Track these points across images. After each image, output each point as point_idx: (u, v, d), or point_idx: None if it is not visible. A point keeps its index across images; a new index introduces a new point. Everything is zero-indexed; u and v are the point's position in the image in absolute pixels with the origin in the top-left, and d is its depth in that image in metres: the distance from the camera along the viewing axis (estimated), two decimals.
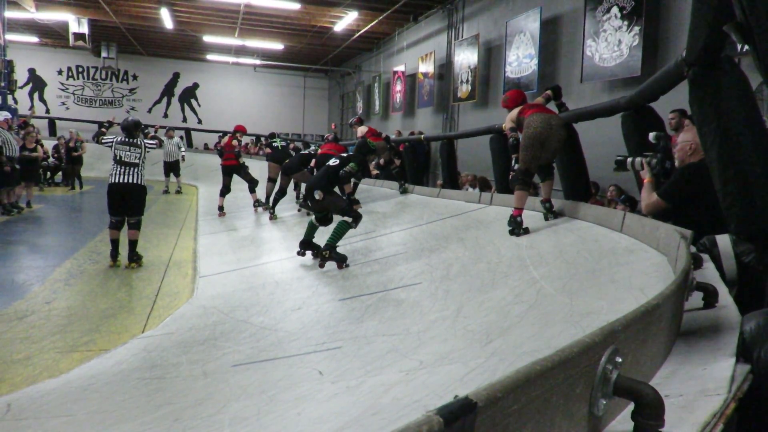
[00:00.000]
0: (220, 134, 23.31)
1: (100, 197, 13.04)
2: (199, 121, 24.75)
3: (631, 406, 1.00)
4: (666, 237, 2.89)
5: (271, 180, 10.28)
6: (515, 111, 5.57)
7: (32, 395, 3.18)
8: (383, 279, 4.72)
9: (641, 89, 4.38)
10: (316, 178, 6.53)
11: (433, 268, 4.62)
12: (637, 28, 7.74)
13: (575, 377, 0.89)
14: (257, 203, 10.71)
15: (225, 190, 10.75)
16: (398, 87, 16.86)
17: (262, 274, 6.11)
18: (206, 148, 23.02)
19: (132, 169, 6.91)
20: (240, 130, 11.12)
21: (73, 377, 3.51)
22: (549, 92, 5.62)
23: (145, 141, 7.23)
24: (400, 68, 16.58)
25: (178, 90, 24.81)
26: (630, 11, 7.85)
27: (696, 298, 1.92)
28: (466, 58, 12.48)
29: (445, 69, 13.94)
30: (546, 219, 5.25)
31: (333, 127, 17.94)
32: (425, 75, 14.90)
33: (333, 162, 6.55)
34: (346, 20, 15.57)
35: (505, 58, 10.79)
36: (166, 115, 24.37)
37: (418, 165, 11.48)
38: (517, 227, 5.00)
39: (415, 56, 15.53)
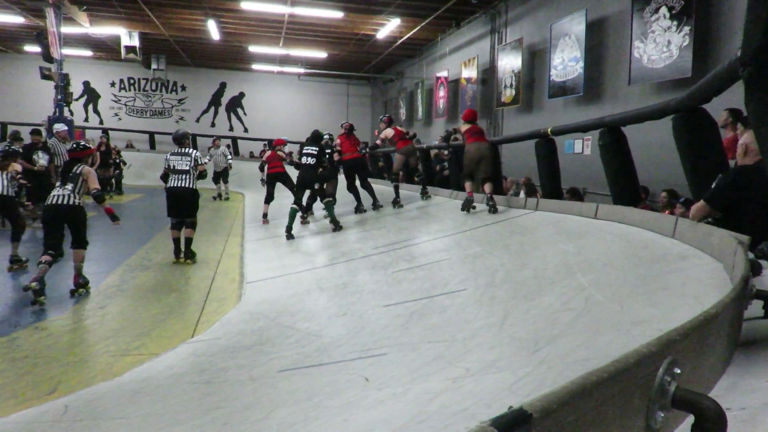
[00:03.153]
0: (265, 143, 23.82)
1: (149, 205, 13.48)
2: (246, 130, 25.20)
3: (690, 420, 0.96)
4: (721, 243, 2.79)
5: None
6: (464, 127, 8.20)
7: (87, 397, 3.28)
8: (427, 285, 4.70)
9: (692, 91, 4.26)
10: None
11: (477, 275, 4.58)
12: (686, 28, 7.53)
13: (632, 388, 0.86)
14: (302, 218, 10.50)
15: (269, 198, 10.99)
16: (441, 93, 16.82)
17: (307, 281, 6.16)
18: (252, 156, 23.42)
19: (183, 175, 7.60)
20: (280, 143, 11.43)
21: (125, 380, 3.60)
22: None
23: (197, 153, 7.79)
24: (443, 74, 16.54)
25: (224, 99, 25.32)
26: (679, 11, 7.64)
27: (755, 307, 1.84)
28: (510, 62, 12.37)
29: (489, 74, 13.84)
30: (490, 212, 7.29)
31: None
32: (468, 80, 14.83)
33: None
34: (388, 27, 15.64)
35: (549, 62, 10.65)
36: (213, 125, 24.90)
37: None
38: (467, 204, 7.80)
39: (458, 62, 15.47)
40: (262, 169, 11.22)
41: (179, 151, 7.71)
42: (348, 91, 25.62)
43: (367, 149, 11.43)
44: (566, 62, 10.13)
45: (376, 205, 9.88)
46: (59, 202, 6.10)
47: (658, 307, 2.28)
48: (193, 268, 7.41)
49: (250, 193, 17.00)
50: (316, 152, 9.25)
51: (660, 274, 2.95)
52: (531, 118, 11.86)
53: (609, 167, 5.90)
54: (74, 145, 6.71)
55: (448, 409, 1.60)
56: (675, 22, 7.70)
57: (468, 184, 7.89)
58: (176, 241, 7.80)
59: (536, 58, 11.79)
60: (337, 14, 14.59)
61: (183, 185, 7.59)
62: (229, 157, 16.15)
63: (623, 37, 8.85)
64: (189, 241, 7.76)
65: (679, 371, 0.92)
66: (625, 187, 5.84)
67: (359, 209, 9.98)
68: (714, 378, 1.23)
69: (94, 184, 6.35)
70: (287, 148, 14.40)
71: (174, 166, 7.62)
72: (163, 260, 7.91)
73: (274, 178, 10.90)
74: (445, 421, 1.45)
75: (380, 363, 2.66)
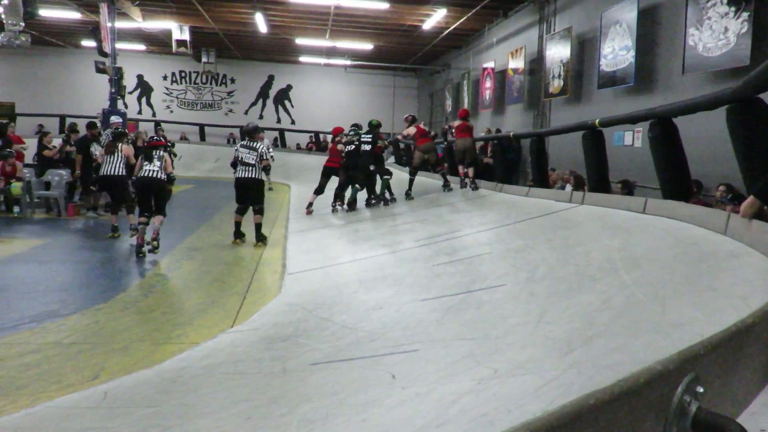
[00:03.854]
0: (312, 134, 24.01)
1: (197, 196, 13.77)
2: (292, 122, 25.44)
3: None
4: None
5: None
6: (456, 123, 10.31)
7: (127, 384, 3.35)
8: (466, 280, 4.63)
9: (748, 79, 4.04)
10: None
11: (518, 270, 4.48)
12: (745, 15, 7.17)
13: (642, 411, 0.77)
14: (349, 206, 10.61)
15: (320, 190, 10.98)
16: (487, 84, 16.57)
17: (347, 272, 6.16)
18: (298, 147, 23.64)
19: (250, 167, 8.26)
20: (338, 131, 11.34)
21: (165, 368, 3.66)
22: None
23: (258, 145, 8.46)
24: (490, 65, 16.29)
25: (272, 92, 25.60)
26: None
27: None
28: (558, 52, 12.07)
29: (536, 64, 13.55)
30: (473, 191, 9.68)
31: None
32: (515, 71, 14.56)
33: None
34: (434, 18, 15.48)
35: (599, 51, 10.34)
36: (261, 117, 25.22)
37: (507, 163, 11.24)
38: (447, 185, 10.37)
39: (505, 52, 15.20)
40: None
41: (248, 144, 8.31)
42: (394, 83, 25.55)
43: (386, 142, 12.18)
44: (617, 51, 9.81)
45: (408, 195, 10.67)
46: (150, 175, 7.59)
47: (702, 309, 2.16)
48: (236, 258, 7.52)
49: (296, 185, 17.17)
50: (371, 140, 10.12)
51: (707, 273, 2.81)
52: (579, 109, 11.55)
53: (659, 160, 5.67)
54: (151, 138, 8.65)
55: (468, 413, 1.55)
56: (733, 8, 7.34)
57: (460, 168, 10.31)
58: (237, 224, 8.46)
59: (585, 47, 11.47)
60: (383, 5, 14.51)
61: (249, 176, 8.25)
62: (271, 151, 16.42)
63: (677, 25, 8.50)
64: (258, 226, 8.37)
65: (702, 390, 0.83)
66: (676, 181, 5.61)
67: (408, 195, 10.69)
68: (749, 395, 1.13)
69: (170, 168, 7.84)
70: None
71: (242, 158, 8.25)
72: (209, 250, 8.06)
73: (331, 171, 10.90)
74: (463, 427, 1.40)
75: (410, 359, 2.62)
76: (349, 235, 8.42)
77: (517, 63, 14.38)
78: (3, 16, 10.37)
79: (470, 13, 14.81)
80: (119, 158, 8.53)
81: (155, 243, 7.48)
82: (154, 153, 7.71)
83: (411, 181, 10.72)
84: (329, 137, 13.57)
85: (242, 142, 8.45)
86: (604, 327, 2.37)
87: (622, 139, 9.85)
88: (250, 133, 8.44)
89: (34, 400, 3.24)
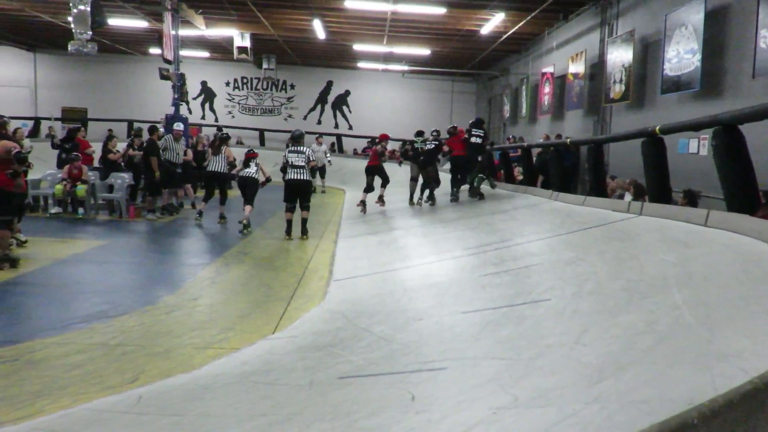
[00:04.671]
0: (369, 140, 24.07)
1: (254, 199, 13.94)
2: (350, 127, 25.61)
3: None
4: None
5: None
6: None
7: (161, 389, 3.37)
8: (511, 292, 4.47)
9: None
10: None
11: (565, 283, 4.29)
12: None
13: None
14: (380, 200, 11.89)
15: (368, 189, 11.77)
16: (546, 89, 16.20)
17: (393, 280, 6.08)
18: (355, 153, 23.76)
19: (300, 169, 9.18)
20: (384, 138, 12.39)
21: (201, 374, 3.68)
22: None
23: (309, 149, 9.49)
24: (549, 69, 15.92)
25: (331, 97, 25.86)
26: None
27: None
28: (620, 56, 11.65)
29: (597, 68, 13.13)
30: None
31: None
32: (575, 76, 14.16)
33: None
34: (492, 22, 15.25)
35: (663, 55, 9.90)
36: (319, 122, 25.51)
37: (564, 171, 10.91)
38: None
39: (565, 56, 14.81)
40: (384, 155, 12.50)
41: (296, 149, 9.25)
42: (452, 88, 25.36)
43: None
44: (681, 55, 9.37)
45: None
46: (247, 175, 9.67)
47: (753, 338, 1.97)
48: (285, 264, 7.56)
49: (350, 190, 17.22)
50: (482, 134, 11.02)
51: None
52: (642, 115, 11.11)
53: (723, 170, 5.34)
54: (249, 150, 10.50)
55: None
56: None
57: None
58: (289, 222, 9.29)
59: (649, 50, 11.02)
60: (440, 10, 14.40)
61: (299, 177, 9.16)
62: (329, 155, 16.65)
63: (747, 26, 8.03)
64: (305, 221, 9.36)
65: None
66: (741, 193, 5.26)
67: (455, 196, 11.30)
68: None
69: (265, 174, 9.95)
70: (389, 145, 15.00)
71: (291, 162, 9.16)
72: (259, 254, 8.14)
73: (372, 169, 11.75)
74: None
75: (436, 379, 2.52)
76: (398, 242, 8.34)
77: (578, 67, 13.99)
78: (72, 26, 10.84)
79: (529, 17, 14.51)
80: (223, 158, 10.40)
81: (246, 224, 9.57)
82: (251, 161, 9.79)
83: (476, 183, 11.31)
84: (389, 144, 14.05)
85: (290, 148, 9.40)
86: (642, 353, 2.19)
87: (686, 147, 9.39)
88: (298, 139, 9.42)
89: (74, 401, 3.29)
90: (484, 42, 17.81)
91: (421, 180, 11.64)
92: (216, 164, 10.45)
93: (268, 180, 9.98)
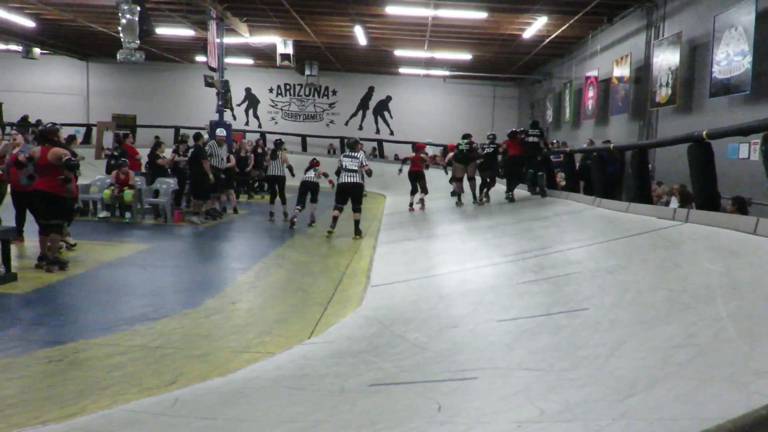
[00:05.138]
0: (412, 144, 24.05)
1: (294, 204, 14.10)
2: (391, 133, 25.66)
3: None
4: None
5: (458, 179, 12.52)
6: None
7: (197, 392, 3.43)
8: (549, 301, 4.39)
9: None
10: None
11: (605, 292, 4.19)
12: None
13: None
14: (420, 203, 13.04)
15: (414, 191, 12.99)
16: (590, 93, 15.92)
17: (429, 287, 6.04)
18: (396, 158, 23.78)
19: (353, 173, 9.89)
20: (422, 147, 13.47)
21: (236, 378, 3.72)
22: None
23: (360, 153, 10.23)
24: (593, 73, 15.64)
25: (372, 103, 25.98)
26: None
27: None
28: (667, 59, 11.36)
29: (643, 72, 12.83)
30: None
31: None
32: (620, 79, 13.87)
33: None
34: (535, 26, 15.08)
35: (712, 57, 9.61)
36: (360, 128, 25.65)
37: (607, 177, 10.69)
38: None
39: (609, 60, 14.53)
40: (405, 162, 13.30)
41: (350, 154, 10.04)
42: (494, 93, 25.17)
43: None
44: (731, 57, 9.07)
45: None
46: (309, 178, 10.90)
47: None
48: (323, 269, 7.60)
49: (391, 195, 17.25)
50: (539, 133, 11.50)
51: None
52: (689, 119, 10.80)
53: None
54: (313, 159, 11.62)
55: None
56: None
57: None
58: (335, 218, 10.05)
59: (696, 53, 10.72)
60: (481, 15, 14.33)
61: (353, 180, 9.88)
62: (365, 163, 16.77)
63: None
64: (357, 222, 10.06)
65: None
66: None
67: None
68: None
69: (326, 177, 11.15)
70: (430, 151, 15.30)
71: (346, 166, 9.90)
72: (299, 259, 8.22)
73: (414, 175, 12.79)
74: None
75: (465, 389, 2.48)
76: (436, 248, 8.30)
77: (622, 71, 13.70)
78: (122, 35, 11.18)
79: (572, 20, 14.30)
80: (280, 162, 11.64)
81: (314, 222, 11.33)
82: (312, 168, 11.10)
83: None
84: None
85: (346, 153, 10.20)
86: (678, 368, 2.12)
87: (736, 152, 9.09)
88: (353, 146, 10.22)
89: (113, 402, 3.37)
90: (527, 46, 17.62)
91: (478, 180, 12.49)
92: (275, 168, 11.74)
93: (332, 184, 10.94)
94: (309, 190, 11.06)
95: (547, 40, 16.61)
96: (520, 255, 6.63)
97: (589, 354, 2.65)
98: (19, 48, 20.96)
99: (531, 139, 11.49)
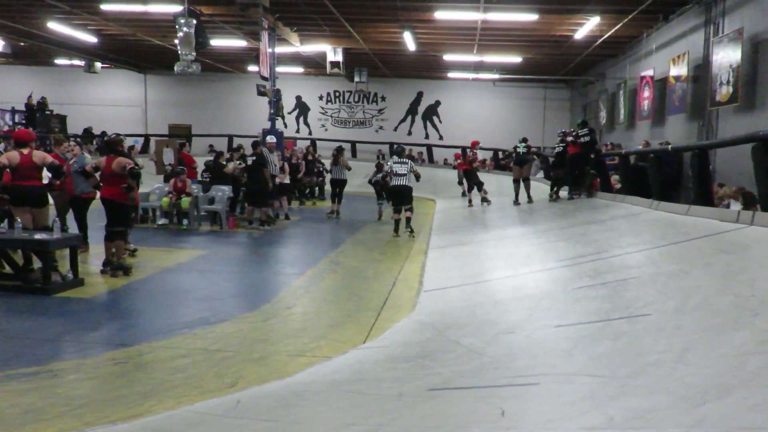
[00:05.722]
0: (461, 148, 23.92)
1: (344, 211, 14.31)
2: (441, 137, 25.58)
3: None
4: None
5: (516, 181, 12.89)
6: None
7: (258, 394, 3.50)
8: (608, 306, 4.30)
9: None
10: None
11: (666, 298, 4.08)
12: None
13: None
14: (464, 195, 14.73)
15: (470, 188, 14.24)
16: (645, 93, 15.50)
17: (483, 292, 6.01)
18: (446, 163, 23.71)
19: (403, 177, 10.54)
20: (474, 144, 14.35)
21: (294, 381, 3.78)
22: None
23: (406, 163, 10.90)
24: (648, 73, 15.23)
25: (421, 108, 25.97)
26: None
27: None
28: (727, 56, 10.96)
29: (701, 70, 12.42)
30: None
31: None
32: (677, 78, 13.46)
33: None
34: (587, 26, 14.80)
35: None
36: (410, 133, 25.67)
37: (665, 178, 10.38)
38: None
39: (666, 58, 14.12)
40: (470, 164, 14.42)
41: (399, 160, 10.70)
42: (545, 95, 24.81)
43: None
44: None
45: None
46: (400, 183, 10.65)
47: None
48: (376, 274, 7.64)
49: (441, 200, 17.20)
50: (587, 132, 11.66)
51: None
52: (753, 118, 10.39)
53: None
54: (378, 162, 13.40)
55: None
56: None
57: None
58: (397, 222, 10.74)
59: (760, 49, 10.30)
60: (532, 17, 14.15)
61: (403, 183, 10.51)
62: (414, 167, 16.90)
63: None
64: (408, 219, 10.70)
65: None
66: None
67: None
68: None
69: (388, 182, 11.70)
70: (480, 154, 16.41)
71: (396, 171, 10.53)
72: (352, 264, 8.29)
73: (466, 172, 14.18)
74: None
75: (527, 394, 2.45)
76: (488, 253, 8.23)
77: (680, 70, 13.30)
78: (179, 48, 11.53)
79: (626, 20, 13.96)
80: (341, 166, 13.12)
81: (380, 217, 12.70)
82: (379, 171, 12.77)
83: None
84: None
85: (395, 159, 10.76)
86: (752, 375, 2.04)
87: None
88: (400, 153, 11.03)
89: (177, 403, 3.48)
90: (578, 47, 17.31)
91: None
92: (337, 172, 13.31)
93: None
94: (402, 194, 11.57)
95: (600, 41, 16.27)
96: (576, 259, 6.51)
97: (654, 361, 2.59)
98: (82, 63, 21.87)
99: (583, 139, 11.61)
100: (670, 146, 9.93)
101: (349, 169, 13.49)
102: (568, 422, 1.97)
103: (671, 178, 11.70)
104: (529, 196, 12.73)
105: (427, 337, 4.41)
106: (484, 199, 13.87)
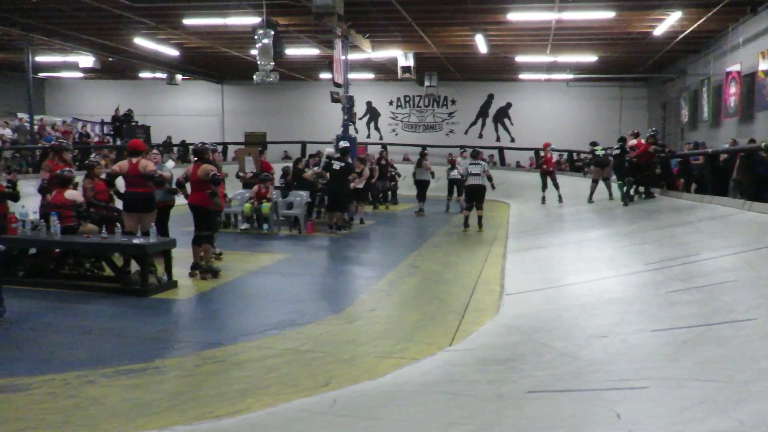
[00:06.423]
0: (534, 150, 23.52)
1: (415, 216, 14.42)
2: (512, 140, 25.24)
3: None
4: None
5: (595, 181, 13.43)
6: None
7: (353, 394, 3.58)
8: (706, 311, 4.15)
9: None
10: None
11: None
12: None
13: None
14: (543, 200, 15.30)
15: (543, 188, 15.13)
16: (732, 89, 14.79)
17: (568, 296, 5.91)
18: (518, 165, 23.38)
19: (477, 176, 11.39)
20: (546, 146, 15.50)
21: (386, 381, 3.85)
22: None
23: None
24: (735, 68, 14.53)
25: (492, 111, 25.72)
26: None
27: None
28: None
29: None
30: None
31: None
32: (767, 73, 12.79)
33: None
34: (667, 22, 14.27)
35: None
36: (480, 136, 25.45)
37: (756, 179, 9.88)
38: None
39: (754, 52, 13.43)
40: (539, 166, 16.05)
41: (474, 162, 11.58)
42: (621, 95, 24.07)
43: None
44: None
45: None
46: (474, 183, 11.44)
47: None
48: (455, 277, 7.64)
49: (516, 203, 16.98)
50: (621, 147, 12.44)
51: None
52: None
53: None
54: (450, 157, 14.63)
55: None
56: None
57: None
58: (466, 218, 11.65)
59: None
60: (609, 14, 13.78)
61: (477, 183, 11.39)
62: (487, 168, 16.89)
63: None
64: (480, 218, 11.60)
65: None
66: None
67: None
68: None
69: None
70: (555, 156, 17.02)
71: (471, 171, 11.43)
72: (430, 268, 8.32)
73: (544, 173, 15.21)
74: None
75: (637, 398, 2.41)
76: (570, 256, 8.08)
77: None
78: (257, 59, 11.92)
79: (710, 13, 13.37)
80: (424, 169, 14.97)
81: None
82: (452, 167, 14.56)
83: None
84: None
85: (470, 161, 11.70)
86: None
87: None
88: (476, 156, 11.83)
89: (275, 401, 3.61)
90: (658, 43, 16.71)
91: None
92: (421, 174, 15.02)
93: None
94: (475, 193, 12.16)
95: (681, 36, 15.66)
96: (665, 262, 6.30)
97: None
98: (164, 76, 22.93)
99: (615, 152, 12.70)
100: (763, 144, 9.44)
101: (433, 173, 15.11)
102: (692, 425, 1.92)
103: (763, 178, 11.12)
104: (610, 194, 13.16)
105: (516, 340, 4.38)
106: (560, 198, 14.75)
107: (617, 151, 12.61)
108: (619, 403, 2.41)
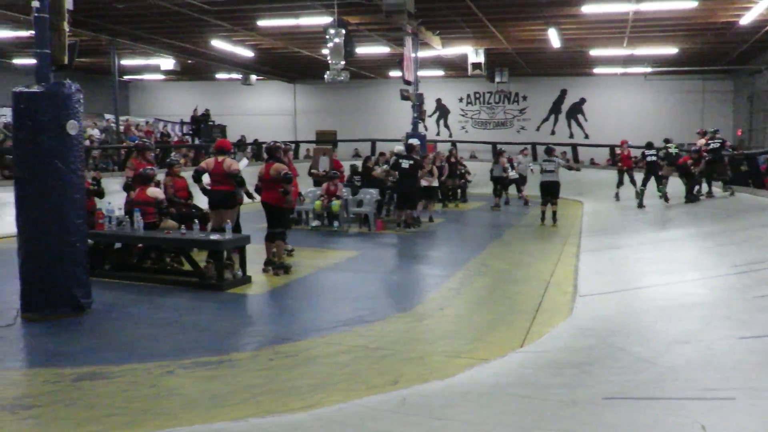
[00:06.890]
0: (610, 147, 22.75)
1: (489, 213, 14.25)
2: (586, 136, 24.51)
3: None
4: None
5: (666, 177, 13.59)
6: None
7: (422, 393, 3.58)
8: None
9: None
10: None
11: None
12: None
13: None
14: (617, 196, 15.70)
15: (619, 184, 15.72)
16: None
17: (645, 298, 5.70)
18: (593, 163, 22.69)
19: (550, 173, 11.77)
20: (623, 143, 16.32)
21: (456, 381, 3.82)
22: None
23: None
24: None
25: (564, 107, 25.05)
26: None
27: None
28: None
29: None
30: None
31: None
32: None
33: None
34: (755, 10, 13.44)
35: None
36: (553, 132, 24.83)
37: None
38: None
39: None
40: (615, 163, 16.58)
41: (548, 159, 11.88)
42: (703, 88, 22.92)
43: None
44: None
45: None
46: (548, 179, 11.77)
47: None
48: (526, 277, 7.50)
49: (589, 201, 16.50)
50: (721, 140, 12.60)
51: None
52: None
53: None
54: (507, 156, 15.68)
55: None
56: None
57: None
58: (543, 213, 12.03)
59: None
60: (691, 4, 13.11)
61: (550, 180, 11.73)
62: (531, 166, 16.49)
63: None
64: (554, 213, 11.93)
65: None
66: None
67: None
68: None
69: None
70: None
71: (544, 168, 11.84)
72: (500, 267, 8.20)
73: (623, 170, 15.71)
74: None
75: (724, 409, 2.28)
76: (646, 257, 7.79)
77: None
78: (329, 58, 12.07)
79: None
80: (500, 165, 15.45)
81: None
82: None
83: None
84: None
85: (545, 158, 12.00)
86: None
87: None
88: (549, 153, 12.04)
89: (345, 397, 3.65)
90: (744, 33, 15.79)
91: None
92: (497, 171, 15.47)
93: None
94: (549, 190, 12.40)
95: None
96: (752, 265, 5.98)
97: None
98: (239, 76, 23.62)
99: (650, 158, 13.60)
100: None
101: (506, 170, 15.50)
102: None
103: None
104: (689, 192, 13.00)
105: (590, 343, 4.26)
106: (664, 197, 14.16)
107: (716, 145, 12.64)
108: (703, 414, 2.29)
